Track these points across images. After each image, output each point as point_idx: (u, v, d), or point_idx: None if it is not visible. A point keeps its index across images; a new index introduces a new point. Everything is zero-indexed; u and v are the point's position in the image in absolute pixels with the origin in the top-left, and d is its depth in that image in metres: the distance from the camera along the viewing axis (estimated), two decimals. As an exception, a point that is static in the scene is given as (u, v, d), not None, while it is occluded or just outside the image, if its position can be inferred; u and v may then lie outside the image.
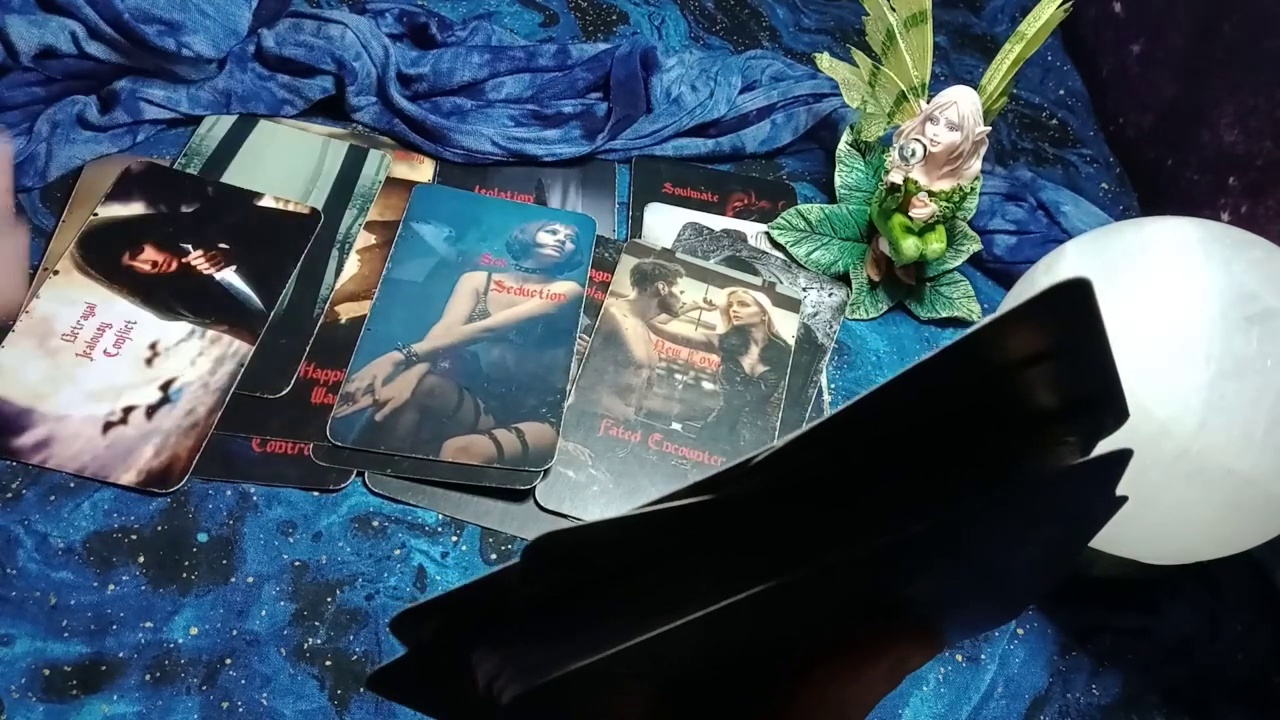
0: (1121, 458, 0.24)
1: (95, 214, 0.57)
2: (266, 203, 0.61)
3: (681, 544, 0.21)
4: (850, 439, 0.21)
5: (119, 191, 0.59)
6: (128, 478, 0.49)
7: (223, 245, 0.58)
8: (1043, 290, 0.20)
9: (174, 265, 0.56)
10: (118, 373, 0.52)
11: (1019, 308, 0.20)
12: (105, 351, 0.52)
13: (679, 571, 0.21)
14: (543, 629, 0.21)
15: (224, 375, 0.53)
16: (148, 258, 0.56)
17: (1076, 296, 0.20)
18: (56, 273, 0.54)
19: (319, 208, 0.61)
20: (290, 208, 0.61)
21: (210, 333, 0.54)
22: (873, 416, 0.20)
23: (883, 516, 0.22)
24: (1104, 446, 0.25)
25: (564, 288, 0.61)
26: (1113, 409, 0.24)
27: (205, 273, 0.56)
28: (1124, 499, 0.27)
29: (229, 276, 0.57)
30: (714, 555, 0.22)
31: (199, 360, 0.53)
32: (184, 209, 0.59)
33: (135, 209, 0.58)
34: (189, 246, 0.57)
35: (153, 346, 0.53)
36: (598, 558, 0.21)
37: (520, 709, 0.21)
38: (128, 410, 0.51)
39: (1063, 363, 0.22)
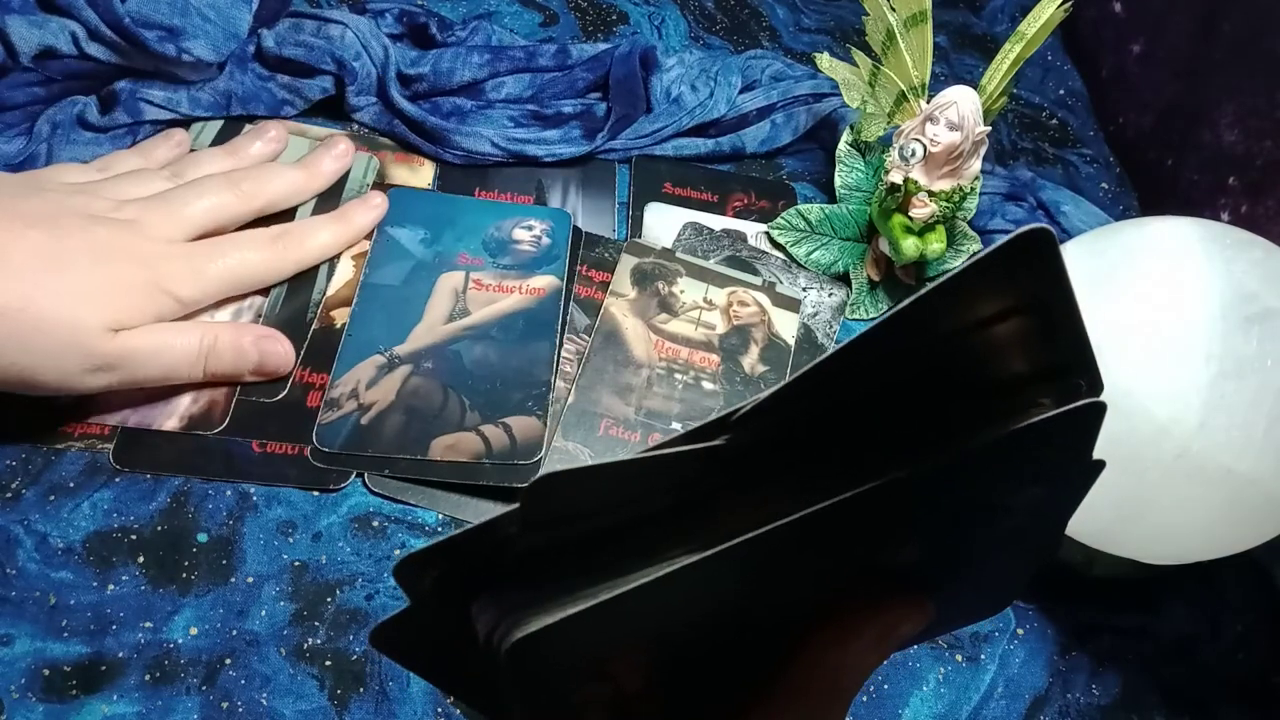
0: (1094, 410, 0.24)
1: None
2: None
3: (672, 494, 0.22)
4: (833, 392, 0.21)
5: None
6: (171, 424, 0.52)
7: None
8: (1005, 240, 0.20)
9: None
10: None
11: (982, 258, 0.20)
12: None
13: (672, 523, 0.22)
14: (541, 578, 0.21)
15: None
16: None
17: (1039, 247, 0.20)
18: None
19: (309, 212, 0.61)
20: None
21: None
22: (851, 368, 0.21)
23: (866, 469, 0.23)
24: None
25: (543, 282, 0.61)
26: (1085, 371, 0.24)
27: None
28: (1101, 464, 0.27)
29: None
30: (706, 506, 0.22)
31: (218, 315, 0.55)
32: None
33: None
34: None
35: None
36: (593, 503, 0.21)
37: (519, 658, 0.21)
38: None
39: (1030, 318, 0.22)
